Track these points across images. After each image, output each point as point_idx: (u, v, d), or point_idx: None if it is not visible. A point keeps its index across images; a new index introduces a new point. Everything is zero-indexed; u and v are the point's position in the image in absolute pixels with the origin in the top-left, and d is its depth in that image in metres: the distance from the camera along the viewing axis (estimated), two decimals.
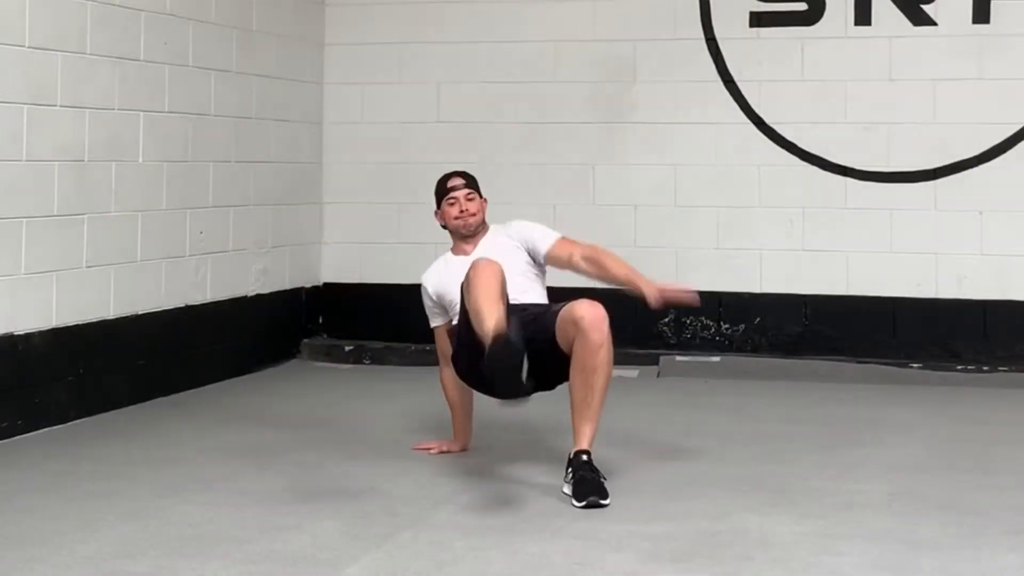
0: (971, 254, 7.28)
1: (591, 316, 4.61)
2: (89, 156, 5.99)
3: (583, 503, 4.48)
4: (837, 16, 7.41)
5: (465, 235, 5.30)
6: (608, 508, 4.48)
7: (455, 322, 5.11)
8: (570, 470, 4.62)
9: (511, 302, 4.67)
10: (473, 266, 4.64)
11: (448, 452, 5.27)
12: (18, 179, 5.57)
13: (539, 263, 5.20)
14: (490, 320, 4.37)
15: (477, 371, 4.67)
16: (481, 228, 5.32)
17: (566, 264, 5.15)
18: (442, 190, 5.37)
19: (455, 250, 5.35)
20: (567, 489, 4.59)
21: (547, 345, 4.71)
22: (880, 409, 6.39)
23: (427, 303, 5.33)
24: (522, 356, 4.34)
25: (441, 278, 5.24)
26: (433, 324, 5.33)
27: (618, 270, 5.09)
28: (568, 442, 4.73)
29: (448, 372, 5.23)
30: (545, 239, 5.22)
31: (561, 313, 4.70)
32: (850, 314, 7.41)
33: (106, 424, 5.87)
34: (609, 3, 7.68)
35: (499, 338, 4.29)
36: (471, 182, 5.38)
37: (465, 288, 4.63)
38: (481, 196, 5.37)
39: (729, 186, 7.54)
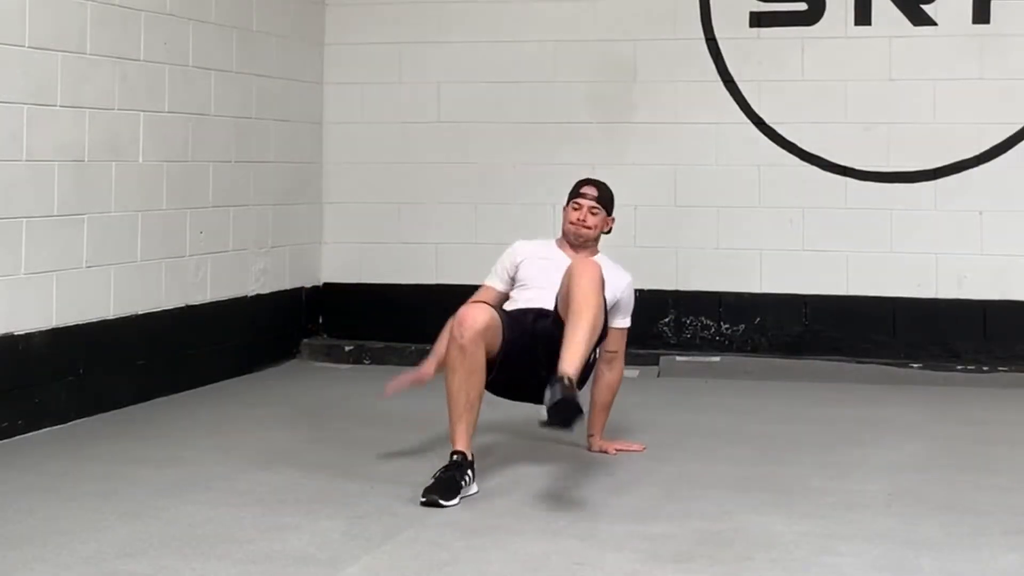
0: (971, 254, 7.28)
1: (580, 265, 4.74)
2: (89, 156, 5.99)
3: (546, 420, 4.37)
4: (837, 16, 7.41)
5: (573, 243, 5.30)
6: (608, 508, 4.49)
7: (509, 300, 5.14)
8: (549, 389, 4.45)
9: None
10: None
11: (420, 381, 5.13)
12: (18, 179, 5.57)
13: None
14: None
15: (514, 388, 4.91)
16: (591, 244, 5.31)
17: (599, 346, 5.06)
18: (575, 191, 5.36)
19: (559, 243, 5.35)
20: (544, 412, 4.44)
21: (551, 324, 4.76)
22: (880, 409, 6.39)
23: (504, 263, 5.29)
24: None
25: (532, 255, 5.24)
26: (488, 281, 5.30)
27: (601, 399, 5.29)
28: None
29: (465, 307, 4.80)
30: (619, 320, 5.28)
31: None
32: (850, 314, 7.41)
33: (106, 424, 5.87)
34: (609, 3, 7.69)
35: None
36: (603, 197, 5.32)
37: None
38: (609, 215, 5.33)
39: (729, 186, 7.54)
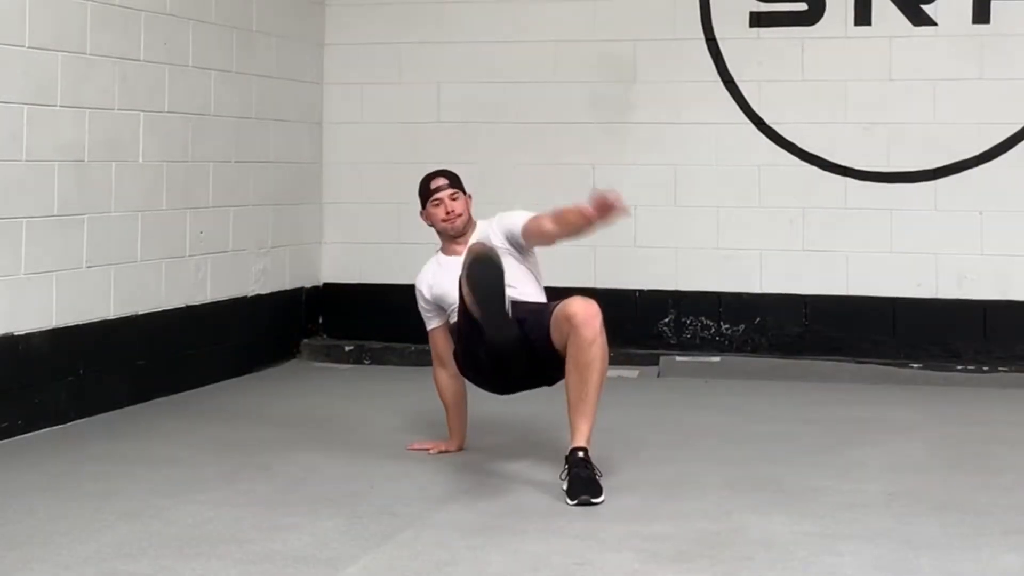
0: (971, 254, 7.28)
1: (583, 313, 4.63)
2: (89, 156, 5.99)
3: (575, 501, 4.50)
4: (837, 16, 7.41)
5: (453, 235, 5.29)
6: (608, 508, 4.48)
7: (452, 321, 5.13)
8: (566, 467, 4.63)
9: (509, 298, 4.67)
10: (468, 251, 4.69)
11: (446, 452, 5.27)
12: (18, 179, 5.57)
13: (524, 250, 5.16)
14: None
15: (478, 364, 4.79)
16: (469, 226, 5.30)
17: (541, 235, 5.04)
18: (426, 191, 5.35)
19: (446, 250, 5.35)
20: (564, 486, 4.59)
21: (543, 343, 4.73)
22: (880, 409, 6.39)
23: (422, 305, 5.33)
24: (501, 268, 4.51)
25: (436, 279, 5.24)
26: (429, 327, 5.33)
27: (572, 214, 4.88)
28: (566, 446, 4.73)
29: (442, 373, 5.27)
30: (519, 221, 5.15)
31: (555, 312, 4.72)
32: (850, 314, 7.41)
33: (106, 424, 5.87)
34: (609, 3, 7.68)
35: (478, 254, 4.50)
36: (454, 180, 5.34)
37: (462, 279, 4.63)
38: (465, 193, 5.34)
39: (729, 186, 7.54)
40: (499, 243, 5.09)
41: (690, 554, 3.96)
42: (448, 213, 5.26)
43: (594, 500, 4.50)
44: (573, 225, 4.87)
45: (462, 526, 4.25)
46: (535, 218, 5.09)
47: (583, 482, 4.54)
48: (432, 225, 5.36)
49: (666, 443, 5.56)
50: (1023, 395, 6.81)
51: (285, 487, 4.76)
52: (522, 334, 4.71)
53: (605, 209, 4.71)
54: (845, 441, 5.63)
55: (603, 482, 4.60)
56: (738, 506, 4.51)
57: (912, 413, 6.29)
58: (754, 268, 7.53)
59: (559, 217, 4.94)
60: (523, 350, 4.67)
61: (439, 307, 5.25)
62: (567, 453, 4.67)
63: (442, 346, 5.26)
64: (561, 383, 4.79)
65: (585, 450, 4.63)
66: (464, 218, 5.29)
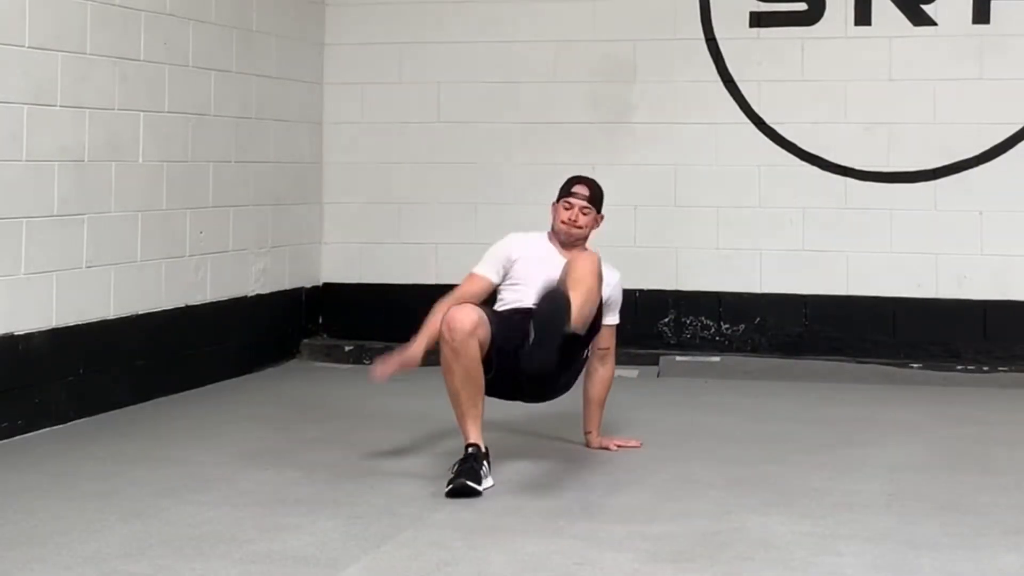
0: (971, 254, 7.28)
1: (581, 254, 4.83)
2: (89, 156, 5.99)
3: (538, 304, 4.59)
4: (837, 16, 7.41)
5: (563, 242, 5.28)
6: (608, 508, 4.49)
7: (504, 291, 5.15)
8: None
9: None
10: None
11: (409, 364, 5.02)
12: (18, 179, 5.57)
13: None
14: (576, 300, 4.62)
15: (508, 379, 4.85)
16: (580, 243, 5.27)
17: (592, 343, 5.11)
18: (566, 189, 5.33)
19: (550, 238, 5.32)
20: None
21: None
22: (880, 409, 6.39)
23: (498, 254, 5.24)
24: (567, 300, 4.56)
25: (530, 249, 5.23)
26: (479, 271, 5.24)
27: (596, 394, 5.32)
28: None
29: (452, 310, 4.82)
30: (610, 317, 5.29)
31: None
32: (850, 314, 7.41)
33: (106, 424, 5.87)
34: (609, 3, 7.68)
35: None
36: (594, 196, 5.30)
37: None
38: (599, 212, 5.32)
39: (729, 186, 7.54)
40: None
41: (690, 554, 3.96)
42: (570, 220, 5.25)
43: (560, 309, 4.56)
44: (589, 396, 5.30)
45: (462, 526, 4.25)
46: (609, 336, 5.30)
47: (553, 293, 4.65)
48: (554, 221, 5.32)
49: (666, 443, 5.56)
50: (1023, 395, 6.81)
51: (285, 487, 4.76)
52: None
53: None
54: (845, 441, 5.63)
55: (602, 482, 4.60)
56: (738, 506, 4.51)
57: (912, 413, 6.29)
58: (754, 268, 7.53)
59: (595, 376, 5.29)
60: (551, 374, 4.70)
61: (505, 268, 5.20)
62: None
63: (470, 293, 5.14)
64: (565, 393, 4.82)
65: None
66: (583, 233, 5.27)
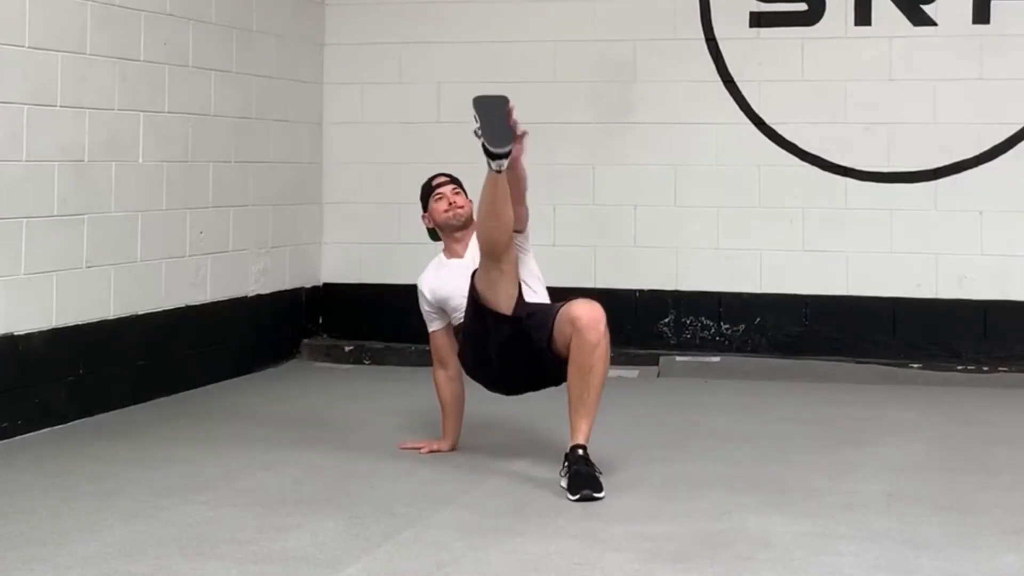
0: (971, 254, 7.28)
1: (588, 316, 4.66)
2: (89, 156, 5.99)
3: (577, 496, 4.53)
4: (837, 16, 7.41)
5: (456, 226, 5.30)
6: (608, 508, 4.48)
7: (456, 323, 5.15)
8: (566, 464, 4.68)
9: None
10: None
11: (437, 451, 5.28)
12: (18, 179, 5.57)
13: (522, 249, 5.11)
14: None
15: (485, 362, 4.90)
16: (470, 224, 5.30)
17: (517, 220, 4.98)
18: (428, 189, 5.41)
19: (447, 252, 5.38)
20: (563, 483, 4.64)
21: (546, 343, 4.74)
22: (880, 409, 6.39)
23: (424, 307, 5.35)
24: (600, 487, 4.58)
25: (438, 282, 5.27)
26: (431, 328, 5.34)
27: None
28: (566, 446, 4.74)
29: (442, 374, 5.30)
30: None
31: (559, 313, 4.73)
32: (850, 314, 7.41)
33: (106, 424, 5.87)
34: (609, 3, 7.68)
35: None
36: (456, 180, 5.41)
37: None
38: (467, 195, 5.37)
39: (729, 186, 7.54)
40: None
41: (690, 554, 3.96)
42: (451, 204, 5.30)
43: (596, 495, 4.54)
44: (509, 186, 4.93)
45: (462, 526, 4.25)
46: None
47: (584, 478, 4.58)
48: (433, 228, 5.38)
49: (666, 443, 5.56)
50: (1023, 395, 6.81)
51: (285, 487, 4.76)
52: (526, 331, 4.78)
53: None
54: (845, 441, 5.63)
55: (603, 481, 4.61)
56: (738, 506, 4.50)
57: (912, 413, 6.29)
58: (754, 268, 7.53)
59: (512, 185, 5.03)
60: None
61: (441, 309, 5.27)
62: (567, 451, 4.70)
63: (443, 348, 5.28)
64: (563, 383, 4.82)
65: (584, 447, 4.68)
66: (466, 211, 5.31)
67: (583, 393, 4.68)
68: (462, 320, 5.10)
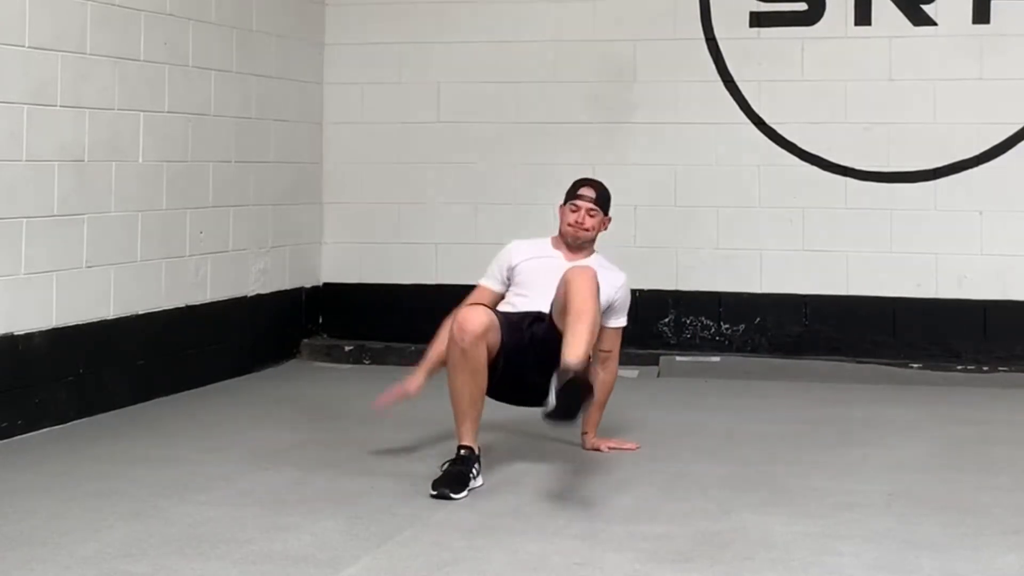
0: (971, 254, 7.28)
1: (578, 271, 4.70)
2: (89, 156, 5.99)
3: (556, 406, 4.37)
4: (837, 16, 7.41)
5: (571, 245, 5.27)
6: (608, 508, 4.49)
7: (509, 298, 5.13)
8: (555, 378, 4.46)
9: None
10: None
11: (408, 395, 5.14)
12: (18, 179, 5.57)
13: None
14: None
15: (510, 392, 4.90)
16: (588, 246, 5.28)
17: (594, 347, 4.94)
18: (572, 192, 5.33)
19: (555, 242, 5.32)
20: (552, 399, 4.42)
21: (549, 331, 4.75)
22: (880, 409, 6.39)
23: (499, 262, 5.27)
24: (590, 391, 4.43)
25: (532, 254, 5.22)
26: (485, 282, 5.27)
27: (596, 398, 4.89)
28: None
29: (465, 310, 4.85)
30: (614, 320, 5.24)
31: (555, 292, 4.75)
32: (850, 314, 7.41)
33: (106, 424, 5.87)
34: (609, 3, 7.69)
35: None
36: (601, 198, 5.30)
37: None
38: (606, 215, 5.30)
39: (729, 186, 7.54)
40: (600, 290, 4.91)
41: (690, 554, 3.96)
42: (577, 223, 5.24)
43: (575, 412, 4.40)
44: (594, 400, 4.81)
45: (462, 526, 4.25)
46: (613, 337, 5.24)
47: (571, 385, 4.38)
48: (561, 224, 5.31)
49: (666, 443, 5.57)
50: (1023, 395, 6.81)
51: (285, 487, 4.76)
52: (531, 335, 4.80)
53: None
54: (845, 441, 5.63)
55: (602, 482, 4.61)
56: (738, 506, 4.51)
57: (912, 413, 6.29)
58: (754, 268, 7.53)
59: (600, 380, 5.04)
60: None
61: (508, 275, 5.22)
62: (559, 367, 4.47)
63: (484, 300, 5.14)
64: None
65: (574, 366, 4.45)
66: (590, 235, 5.27)
67: (571, 325, 4.53)
68: (513, 311, 5.00)
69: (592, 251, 5.30)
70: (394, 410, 6.22)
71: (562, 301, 4.70)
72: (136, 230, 6.32)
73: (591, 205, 5.25)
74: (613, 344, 5.29)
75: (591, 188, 5.31)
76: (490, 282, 5.28)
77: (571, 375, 4.38)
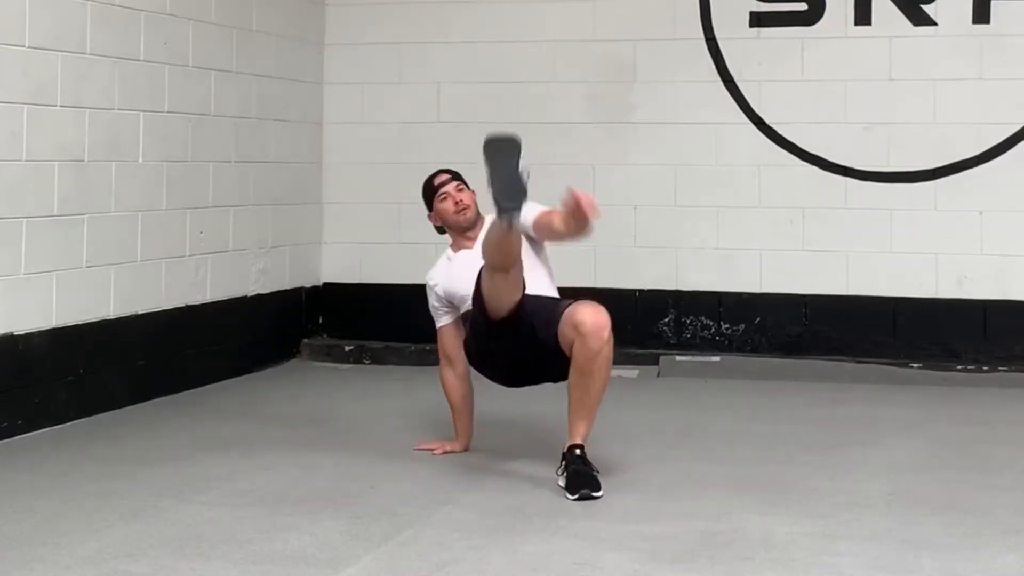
0: (971, 254, 7.28)
1: (592, 321, 4.64)
2: (89, 156, 5.99)
3: (576, 495, 4.54)
4: (837, 16, 7.41)
5: (465, 227, 5.28)
6: (608, 508, 4.48)
7: (463, 310, 5.14)
8: (564, 463, 4.69)
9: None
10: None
11: (451, 452, 5.28)
12: (18, 179, 5.57)
13: (535, 243, 5.13)
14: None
15: (489, 353, 4.89)
16: (478, 219, 5.28)
17: (550, 230, 4.98)
18: (430, 189, 5.36)
19: (455, 246, 5.34)
20: (561, 482, 4.65)
21: (551, 341, 4.74)
22: (880, 409, 6.39)
23: (433, 303, 5.31)
24: (519, 143, 4.52)
25: (448, 277, 5.23)
26: (439, 324, 5.31)
27: (561, 214, 4.89)
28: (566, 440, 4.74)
29: (449, 373, 5.26)
30: (530, 213, 5.05)
31: (564, 315, 4.71)
32: (850, 314, 7.41)
33: (106, 424, 5.87)
34: (609, 3, 7.68)
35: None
36: (457, 175, 5.37)
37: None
38: (469, 187, 5.34)
39: (729, 186, 7.54)
40: None
41: (690, 554, 3.96)
42: (457, 204, 5.27)
43: (594, 495, 4.56)
44: (569, 224, 4.82)
45: (462, 526, 4.25)
46: (546, 212, 5.05)
47: (582, 477, 4.59)
48: (442, 224, 5.34)
49: (666, 443, 5.57)
50: (1023, 395, 6.81)
51: (285, 487, 4.76)
52: (530, 327, 4.77)
53: (578, 208, 4.68)
54: (845, 441, 5.63)
55: (603, 481, 4.61)
56: (738, 506, 4.51)
57: (912, 413, 6.29)
58: (754, 268, 7.53)
59: (566, 217, 4.88)
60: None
61: (450, 303, 5.24)
62: (564, 450, 4.71)
63: (451, 344, 5.24)
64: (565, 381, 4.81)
65: (582, 447, 4.70)
66: (473, 209, 5.29)
67: (583, 396, 4.70)
68: (471, 308, 5.05)
69: (481, 219, 5.24)
70: (394, 411, 6.24)
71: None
72: (136, 230, 6.32)
73: (454, 183, 5.31)
74: (550, 214, 4.99)
75: (441, 174, 5.36)
76: (443, 320, 5.29)
77: (581, 471, 4.64)
